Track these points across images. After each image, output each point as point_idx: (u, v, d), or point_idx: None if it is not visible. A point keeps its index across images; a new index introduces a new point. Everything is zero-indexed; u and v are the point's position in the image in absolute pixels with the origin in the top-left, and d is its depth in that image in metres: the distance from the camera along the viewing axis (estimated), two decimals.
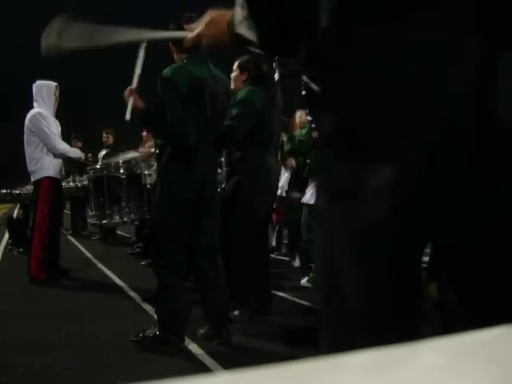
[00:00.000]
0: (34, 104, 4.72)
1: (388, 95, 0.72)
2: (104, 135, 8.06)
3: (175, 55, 2.85)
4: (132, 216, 3.55)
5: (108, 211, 3.54)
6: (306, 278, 4.54)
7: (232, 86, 3.34)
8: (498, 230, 0.72)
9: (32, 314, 3.50)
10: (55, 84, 4.82)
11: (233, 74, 3.47)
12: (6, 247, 7.29)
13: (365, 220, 0.73)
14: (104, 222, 3.65)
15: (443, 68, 0.70)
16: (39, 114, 4.62)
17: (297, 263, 5.73)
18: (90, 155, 5.35)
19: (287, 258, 6.13)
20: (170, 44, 2.85)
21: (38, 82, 4.78)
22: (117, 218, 3.54)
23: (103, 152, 7.78)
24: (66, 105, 5.05)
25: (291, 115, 5.62)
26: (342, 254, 0.77)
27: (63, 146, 4.71)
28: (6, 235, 7.69)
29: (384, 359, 0.26)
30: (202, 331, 2.85)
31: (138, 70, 2.51)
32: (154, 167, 3.69)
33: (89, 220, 3.78)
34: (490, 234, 0.72)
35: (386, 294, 0.75)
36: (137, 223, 3.66)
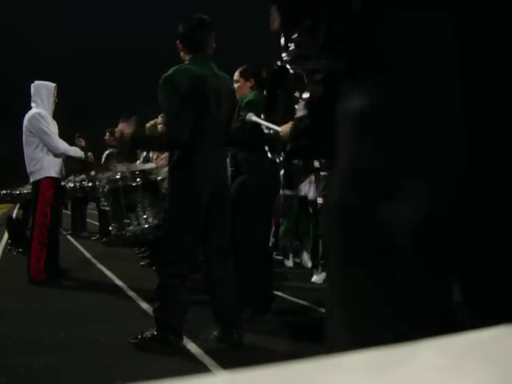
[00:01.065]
0: (32, 104, 4.71)
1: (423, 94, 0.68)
2: (107, 136, 8.04)
3: (181, 53, 2.87)
4: (149, 224, 3.49)
5: (126, 220, 3.48)
6: (316, 276, 4.55)
7: (238, 95, 3.37)
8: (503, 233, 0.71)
9: (31, 313, 3.49)
10: (54, 85, 4.82)
11: (236, 84, 3.48)
12: (5, 247, 7.28)
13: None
14: (123, 232, 3.54)
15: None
16: (38, 114, 4.62)
17: (290, 263, 5.71)
18: (89, 154, 5.34)
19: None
20: (178, 42, 2.86)
21: (37, 82, 4.78)
22: (135, 225, 3.46)
23: (107, 152, 7.77)
24: (66, 105, 5.05)
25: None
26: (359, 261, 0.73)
27: (64, 145, 4.71)
28: (6, 235, 7.68)
29: (383, 359, 0.27)
30: (215, 333, 2.83)
31: None
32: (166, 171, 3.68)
33: (112, 230, 3.68)
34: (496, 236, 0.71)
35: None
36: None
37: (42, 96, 4.70)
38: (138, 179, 3.46)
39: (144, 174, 3.60)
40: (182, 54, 2.87)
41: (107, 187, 3.62)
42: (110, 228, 3.61)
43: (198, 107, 2.66)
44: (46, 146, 4.59)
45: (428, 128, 0.69)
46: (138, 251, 6.51)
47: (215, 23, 2.94)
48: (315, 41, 0.82)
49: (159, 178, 3.56)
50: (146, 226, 3.42)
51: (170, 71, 2.69)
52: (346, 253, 0.74)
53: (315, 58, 0.88)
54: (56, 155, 4.65)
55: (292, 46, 0.88)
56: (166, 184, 3.53)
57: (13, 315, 3.46)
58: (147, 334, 2.73)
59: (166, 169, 3.48)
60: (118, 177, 3.54)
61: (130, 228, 3.42)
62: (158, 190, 3.50)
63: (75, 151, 4.93)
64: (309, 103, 0.89)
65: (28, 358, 2.55)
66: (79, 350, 2.72)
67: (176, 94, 2.62)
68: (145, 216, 3.38)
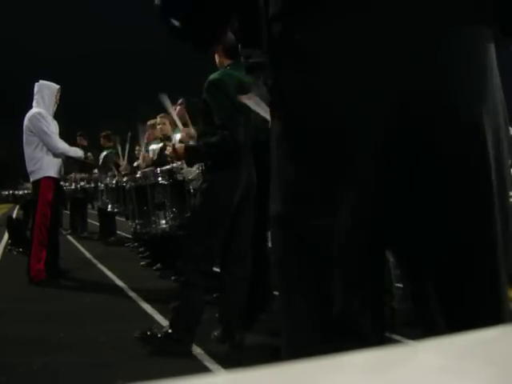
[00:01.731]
0: (34, 103, 4.72)
1: (335, 90, 0.70)
2: (101, 139, 8.05)
3: (219, 59, 2.87)
4: (176, 222, 3.49)
5: (153, 218, 3.46)
6: None
7: None
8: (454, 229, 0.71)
9: (31, 313, 3.50)
10: (58, 86, 4.82)
11: None
12: (5, 247, 7.29)
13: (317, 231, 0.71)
14: (148, 229, 3.55)
15: (394, 60, 0.68)
16: (39, 113, 4.62)
17: None
18: (89, 154, 5.34)
19: None
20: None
21: (40, 82, 4.78)
22: (162, 224, 3.43)
23: (104, 153, 7.76)
24: (67, 105, 5.06)
25: None
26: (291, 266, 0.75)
27: (63, 146, 4.71)
28: (6, 235, 7.69)
29: (383, 359, 0.27)
30: (215, 333, 2.83)
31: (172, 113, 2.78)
32: (197, 172, 3.65)
33: (132, 230, 3.68)
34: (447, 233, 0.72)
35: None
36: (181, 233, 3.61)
37: (44, 96, 4.70)
38: (166, 177, 3.45)
39: (171, 172, 3.61)
40: (219, 59, 2.86)
41: (131, 184, 3.63)
42: (132, 224, 3.64)
43: (242, 113, 2.67)
44: (45, 146, 4.59)
45: (341, 128, 0.70)
46: (138, 251, 6.51)
47: None
48: (258, 50, 0.86)
49: (189, 177, 3.53)
50: (174, 224, 3.43)
51: (216, 75, 2.70)
52: (283, 263, 0.78)
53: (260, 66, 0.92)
54: (56, 155, 4.65)
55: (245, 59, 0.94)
56: (193, 184, 3.50)
57: (13, 315, 3.46)
58: (157, 331, 2.70)
59: (195, 169, 3.44)
60: (139, 175, 3.57)
61: (159, 226, 3.41)
62: (183, 190, 3.50)
63: (75, 151, 4.94)
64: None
65: (28, 358, 2.55)
66: (79, 349, 2.72)
67: (225, 96, 2.62)
68: (172, 215, 3.38)
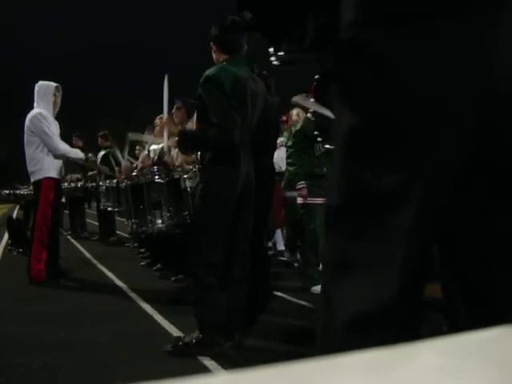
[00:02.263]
0: (35, 104, 4.74)
1: (420, 89, 0.71)
2: (99, 139, 8.04)
3: (215, 55, 2.86)
4: (173, 221, 3.38)
5: (149, 217, 3.38)
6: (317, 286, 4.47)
7: None
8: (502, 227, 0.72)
9: (31, 314, 3.49)
10: (55, 85, 4.82)
11: None
12: (5, 247, 7.29)
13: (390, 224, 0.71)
14: (144, 228, 3.47)
15: (477, 62, 0.70)
16: (40, 114, 4.63)
17: (297, 263, 5.67)
18: (90, 155, 5.34)
19: (285, 258, 6.12)
20: (211, 43, 2.85)
21: (40, 83, 4.80)
22: (159, 223, 3.36)
23: (102, 153, 7.76)
24: (67, 104, 5.06)
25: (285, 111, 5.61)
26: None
27: (64, 147, 4.72)
28: (6, 235, 7.69)
29: (384, 359, 0.27)
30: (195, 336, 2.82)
31: (165, 99, 2.67)
32: (194, 170, 3.60)
33: (129, 229, 3.59)
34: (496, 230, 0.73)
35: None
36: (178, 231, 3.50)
37: (43, 96, 4.72)
38: (162, 176, 3.38)
39: (168, 171, 3.55)
40: (215, 55, 2.85)
41: (127, 183, 3.56)
42: (129, 223, 3.57)
43: (238, 108, 2.66)
44: (46, 147, 4.59)
45: (426, 131, 0.71)
46: (138, 252, 6.51)
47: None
48: (303, 46, 0.86)
49: (185, 176, 3.47)
50: (170, 223, 3.37)
51: (212, 70, 2.67)
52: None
53: (300, 61, 0.92)
54: (56, 156, 4.65)
55: (282, 53, 0.92)
56: (190, 182, 3.45)
57: (13, 315, 3.46)
58: (188, 339, 2.66)
59: (191, 167, 3.41)
60: (135, 173, 3.50)
61: (155, 225, 3.35)
62: (180, 188, 3.44)
63: (76, 153, 4.94)
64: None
65: (28, 358, 2.55)
66: (79, 350, 2.72)
67: (222, 95, 2.61)
68: (168, 214, 3.29)
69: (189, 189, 3.46)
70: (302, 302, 3.85)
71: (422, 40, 0.70)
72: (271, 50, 0.94)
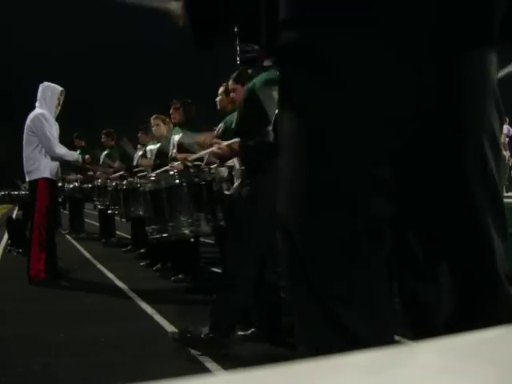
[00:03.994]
0: (37, 104, 4.76)
1: (349, 101, 0.72)
2: (103, 136, 7.97)
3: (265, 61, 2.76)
4: (214, 223, 3.13)
5: (170, 224, 3.13)
6: None
7: (237, 101, 3.38)
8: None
9: (31, 314, 3.49)
10: (61, 89, 4.85)
11: (233, 93, 3.46)
12: (5, 248, 7.29)
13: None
14: (164, 235, 3.18)
15: (403, 74, 0.71)
16: (42, 115, 4.65)
17: None
18: (87, 157, 5.32)
19: None
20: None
21: (45, 84, 4.81)
22: (203, 226, 3.13)
23: (105, 152, 7.74)
24: (68, 104, 5.06)
25: None
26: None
27: (61, 150, 4.71)
28: (6, 236, 7.69)
29: (383, 360, 0.27)
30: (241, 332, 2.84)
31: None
32: (228, 172, 3.38)
33: (149, 236, 3.27)
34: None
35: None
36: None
37: (47, 98, 4.74)
38: (183, 180, 3.15)
39: (190, 174, 3.26)
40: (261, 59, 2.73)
41: (147, 187, 3.33)
42: (149, 230, 3.22)
43: None
44: (44, 148, 4.60)
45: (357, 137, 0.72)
46: (137, 254, 6.51)
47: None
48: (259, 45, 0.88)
49: (221, 175, 3.22)
50: (213, 225, 3.14)
51: (271, 75, 2.61)
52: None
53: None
54: (53, 159, 4.66)
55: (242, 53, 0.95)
56: (225, 185, 3.23)
57: (13, 315, 3.46)
58: (197, 333, 2.65)
59: (225, 169, 3.22)
60: (155, 177, 3.21)
61: (199, 228, 3.12)
62: (202, 192, 3.17)
63: (71, 155, 4.92)
64: None
65: (28, 359, 2.55)
66: (79, 350, 2.71)
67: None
68: (190, 220, 3.06)
69: (226, 192, 3.23)
70: None
71: (365, 42, 0.70)
72: (238, 49, 0.97)
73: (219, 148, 2.88)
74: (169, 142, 4.92)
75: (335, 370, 0.25)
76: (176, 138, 4.87)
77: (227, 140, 3.26)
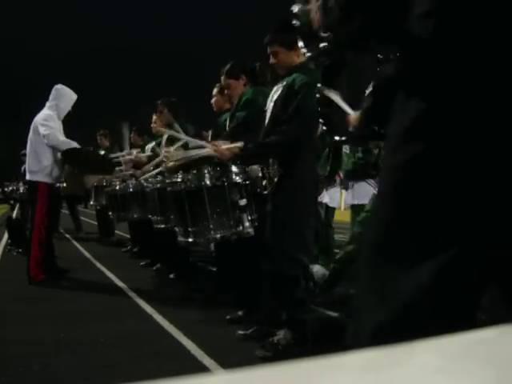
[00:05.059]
0: (47, 104, 4.77)
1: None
2: (98, 137, 7.94)
3: (284, 56, 2.75)
4: (218, 233, 2.94)
5: (191, 229, 2.97)
6: None
7: (233, 97, 3.39)
8: None
9: (31, 314, 3.49)
10: (76, 96, 4.87)
11: (227, 90, 3.47)
12: (5, 248, 7.29)
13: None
14: (189, 240, 3.01)
15: None
16: (49, 116, 4.69)
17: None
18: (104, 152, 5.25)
19: None
20: (281, 45, 2.73)
21: (61, 88, 4.82)
22: (247, 227, 2.95)
23: (102, 152, 7.72)
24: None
25: None
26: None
27: (62, 139, 4.68)
28: (6, 235, 7.68)
29: (381, 359, 0.27)
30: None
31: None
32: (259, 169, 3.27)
33: (181, 240, 3.09)
34: None
35: None
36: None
37: (60, 104, 4.76)
38: (241, 176, 3.00)
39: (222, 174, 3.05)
40: (285, 57, 2.75)
41: (170, 189, 3.20)
42: (180, 231, 3.02)
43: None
44: (44, 137, 4.59)
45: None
46: (137, 255, 6.51)
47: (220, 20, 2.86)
48: (348, 38, 0.83)
49: (259, 174, 3.00)
50: (213, 236, 2.95)
51: (310, 76, 2.60)
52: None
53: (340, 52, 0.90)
54: (52, 147, 4.63)
55: (322, 44, 0.90)
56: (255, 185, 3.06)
57: (12, 316, 3.46)
58: (284, 341, 2.65)
59: (256, 167, 3.10)
60: (179, 179, 3.03)
61: (244, 229, 2.95)
62: (225, 195, 2.98)
63: (68, 143, 4.84)
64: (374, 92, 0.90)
65: (27, 359, 2.55)
66: (79, 350, 2.72)
67: (315, 99, 2.60)
68: (211, 226, 2.89)
69: (265, 191, 2.94)
70: None
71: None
72: (300, 43, 0.93)
73: (216, 151, 2.87)
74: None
75: (334, 370, 0.25)
76: (165, 138, 4.84)
77: (218, 138, 3.24)
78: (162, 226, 4.15)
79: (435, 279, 0.67)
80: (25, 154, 8.45)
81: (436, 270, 0.66)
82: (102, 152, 7.58)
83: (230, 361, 2.50)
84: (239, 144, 2.79)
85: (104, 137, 7.89)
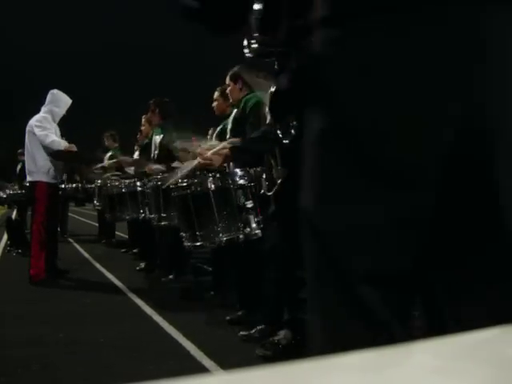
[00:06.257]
0: (43, 108, 4.83)
1: (395, 94, 0.69)
2: (106, 139, 7.85)
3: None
4: (224, 236, 2.89)
5: (198, 232, 2.93)
6: None
7: (231, 99, 3.39)
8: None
9: (30, 314, 3.49)
10: (71, 101, 4.91)
11: (228, 88, 3.48)
12: (4, 248, 7.29)
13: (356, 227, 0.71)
14: (196, 244, 2.96)
15: (448, 67, 0.68)
16: (45, 118, 4.72)
17: None
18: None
19: None
20: None
21: (56, 93, 4.86)
22: (254, 228, 2.91)
23: (108, 154, 7.65)
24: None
25: None
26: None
27: (56, 140, 4.70)
28: (5, 236, 7.69)
29: (379, 360, 0.27)
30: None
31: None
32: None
33: (188, 244, 3.00)
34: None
35: None
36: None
37: (54, 108, 4.81)
38: (246, 179, 2.96)
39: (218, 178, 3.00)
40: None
41: (175, 193, 3.17)
42: (186, 236, 2.97)
43: None
44: (38, 138, 4.61)
45: (401, 136, 0.70)
46: (135, 256, 6.51)
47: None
48: (276, 38, 0.85)
49: (262, 176, 2.96)
50: (220, 239, 2.90)
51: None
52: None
53: (275, 54, 0.91)
54: (46, 147, 4.65)
55: (254, 45, 0.91)
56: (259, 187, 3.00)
57: (12, 316, 3.46)
58: (285, 341, 2.64)
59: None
60: (184, 184, 2.98)
61: (252, 231, 2.90)
62: (232, 197, 2.94)
63: (58, 144, 4.84)
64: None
65: (27, 359, 2.55)
66: (78, 350, 2.72)
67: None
68: (218, 229, 2.86)
69: (269, 193, 2.86)
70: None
71: (398, 40, 0.68)
72: (245, 42, 0.93)
73: (204, 159, 2.85)
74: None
75: (331, 371, 0.25)
76: (157, 138, 4.84)
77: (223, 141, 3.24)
78: (165, 223, 4.12)
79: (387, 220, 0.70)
80: (22, 153, 8.47)
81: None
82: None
83: (230, 362, 2.50)
84: (225, 143, 2.79)
85: (112, 138, 7.77)
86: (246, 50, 0.94)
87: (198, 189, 2.92)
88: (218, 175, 2.93)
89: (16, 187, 7.42)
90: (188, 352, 2.68)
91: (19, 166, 8.43)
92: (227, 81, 3.48)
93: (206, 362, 2.53)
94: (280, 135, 0.95)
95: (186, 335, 2.94)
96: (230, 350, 2.70)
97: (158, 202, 4.18)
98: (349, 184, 0.72)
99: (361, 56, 0.71)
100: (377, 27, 0.69)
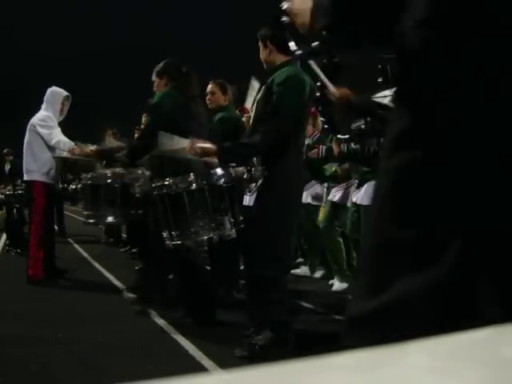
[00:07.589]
0: (43, 107, 4.83)
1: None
2: (106, 137, 7.81)
3: (269, 55, 2.75)
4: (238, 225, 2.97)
5: (192, 228, 2.94)
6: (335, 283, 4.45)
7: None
8: None
9: (29, 314, 3.49)
10: (65, 94, 4.90)
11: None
12: (3, 248, 7.28)
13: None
14: (188, 240, 3.00)
15: None
16: (48, 117, 4.71)
17: (318, 274, 5.02)
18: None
19: None
20: (264, 42, 2.75)
21: (53, 89, 4.87)
22: (228, 229, 2.95)
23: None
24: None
25: None
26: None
27: (62, 138, 4.70)
28: (4, 236, 7.68)
29: (373, 359, 0.27)
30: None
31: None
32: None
33: (168, 243, 3.04)
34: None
35: None
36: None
37: (51, 101, 4.81)
38: (224, 180, 2.99)
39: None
40: (269, 55, 2.74)
41: (156, 193, 3.06)
42: (166, 235, 3.01)
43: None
44: (43, 138, 4.61)
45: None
46: (130, 252, 6.50)
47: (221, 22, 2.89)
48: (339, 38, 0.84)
49: (243, 177, 2.95)
50: (238, 227, 2.97)
51: (297, 73, 2.62)
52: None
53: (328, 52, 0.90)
54: (54, 146, 4.65)
55: (314, 43, 0.91)
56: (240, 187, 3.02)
57: (11, 315, 3.46)
58: (262, 341, 2.62)
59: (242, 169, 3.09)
60: (166, 183, 3.00)
61: (228, 232, 2.94)
62: (205, 198, 2.97)
63: (63, 143, 4.83)
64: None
65: (26, 359, 2.55)
66: (77, 350, 2.72)
67: (304, 97, 2.61)
68: (192, 229, 2.90)
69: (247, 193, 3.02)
70: (301, 303, 3.85)
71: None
72: (292, 42, 0.93)
73: (192, 145, 2.81)
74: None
75: (327, 370, 0.26)
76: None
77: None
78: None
79: (435, 286, 0.67)
80: (10, 153, 8.38)
81: (436, 276, 0.66)
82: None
83: (229, 361, 2.50)
84: (211, 145, 2.78)
85: (113, 136, 7.73)
86: (294, 48, 0.93)
87: (174, 188, 2.98)
88: (193, 176, 2.97)
89: (10, 187, 7.37)
90: (187, 352, 2.69)
91: (8, 167, 8.39)
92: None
93: (205, 362, 2.53)
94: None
95: (184, 335, 2.94)
96: (230, 350, 2.71)
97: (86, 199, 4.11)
98: None
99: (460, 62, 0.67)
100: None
